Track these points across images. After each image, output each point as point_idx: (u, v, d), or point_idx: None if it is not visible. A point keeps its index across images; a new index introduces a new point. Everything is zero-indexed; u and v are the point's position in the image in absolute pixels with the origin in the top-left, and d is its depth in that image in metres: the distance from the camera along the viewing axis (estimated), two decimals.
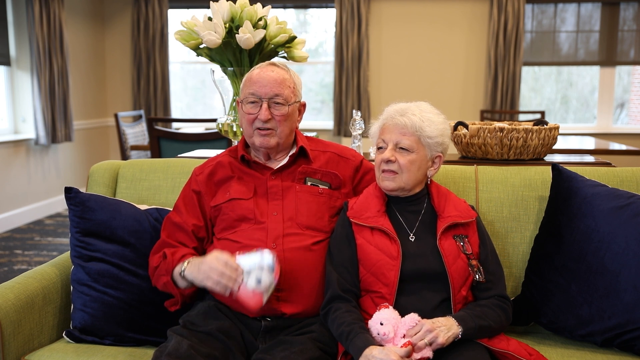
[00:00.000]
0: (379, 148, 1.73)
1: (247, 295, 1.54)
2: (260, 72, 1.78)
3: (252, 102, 1.77)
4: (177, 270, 1.69)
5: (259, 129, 1.77)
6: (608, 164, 2.38)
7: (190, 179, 1.89)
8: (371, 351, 1.46)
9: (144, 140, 5.30)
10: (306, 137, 1.93)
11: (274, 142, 1.78)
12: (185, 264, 1.67)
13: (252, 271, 1.53)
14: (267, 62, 1.83)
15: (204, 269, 1.59)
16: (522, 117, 6.38)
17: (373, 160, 1.84)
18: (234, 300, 1.60)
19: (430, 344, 1.50)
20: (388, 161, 1.68)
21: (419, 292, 1.63)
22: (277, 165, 1.83)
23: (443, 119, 1.74)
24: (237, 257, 1.57)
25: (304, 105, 1.88)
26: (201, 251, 1.81)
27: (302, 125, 1.90)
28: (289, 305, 1.68)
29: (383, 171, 1.70)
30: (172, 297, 1.74)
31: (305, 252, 1.71)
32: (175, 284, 1.69)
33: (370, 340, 1.51)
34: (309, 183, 1.81)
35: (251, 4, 2.31)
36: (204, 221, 1.81)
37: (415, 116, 1.69)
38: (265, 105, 1.75)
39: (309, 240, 1.73)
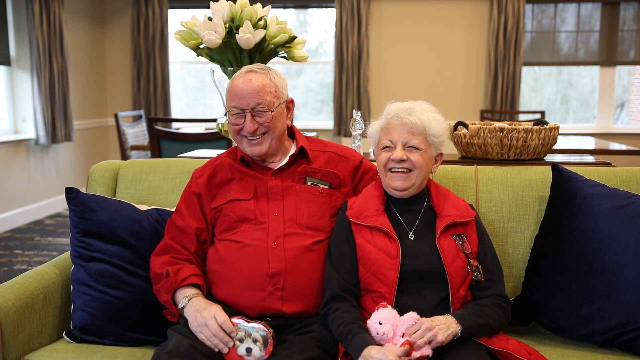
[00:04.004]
0: (384, 148, 1.73)
1: (234, 358, 1.56)
2: (239, 83, 1.76)
3: (236, 114, 1.76)
4: (178, 296, 1.69)
5: (248, 138, 1.77)
6: (608, 164, 2.38)
7: (190, 182, 1.89)
8: (370, 351, 1.47)
9: (144, 140, 5.30)
10: (306, 137, 1.93)
11: (265, 148, 1.78)
12: (186, 300, 1.66)
13: (246, 340, 1.55)
14: (246, 68, 1.81)
15: (199, 322, 1.59)
16: (522, 117, 6.38)
17: (373, 161, 1.84)
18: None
19: (429, 343, 1.50)
20: (401, 160, 1.67)
21: (419, 291, 1.63)
22: (277, 165, 1.83)
23: (443, 117, 1.77)
24: (234, 320, 1.58)
25: (291, 102, 1.86)
26: (202, 255, 1.81)
27: (302, 125, 1.90)
28: (289, 305, 1.68)
29: (393, 171, 1.70)
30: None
31: (306, 251, 1.71)
32: (174, 304, 1.70)
33: (369, 340, 1.51)
34: (309, 183, 1.81)
35: (251, 4, 2.31)
36: (205, 223, 1.81)
37: (423, 115, 1.70)
38: (249, 117, 1.74)
39: (310, 240, 1.73)
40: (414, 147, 1.69)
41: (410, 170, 1.68)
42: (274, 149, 1.81)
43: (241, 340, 1.55)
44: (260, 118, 1.75)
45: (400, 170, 1.68)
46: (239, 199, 1.78)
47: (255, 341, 1.54)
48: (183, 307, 1.66)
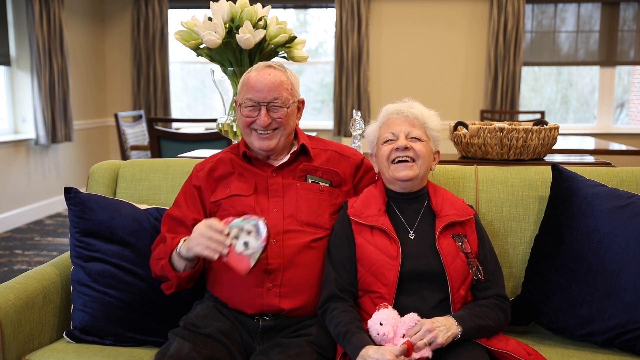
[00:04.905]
0: (386, 141, 1.75)
1: (235, 259, 1.54)
2: (257, 76, 1.77)
3: (250, 107, 1.77)
4: (174, 255, 1.69)
5: (258, 132, 1.78)
6: (608, 164, 2.38)
7: (191, 175, 1.89)
8: (367, 351, 1.47)
9: (144, 140, 5.30)
10: (307, 135, 1.93)
11: (274, 144, 1.79)
12: (182, 242, 1.67)
13: (241, 235, 1.53)
14: (263, 63, 1.82)
15: (194, 236, 1.60)
16: (522, 117, 6.38)
17: None
18: (225, 265, 1.60)
19: (429, 344, 1.50)
20: (405, 148, 1.70)
21: (419, 292, 1.63)
22: (278, 162, 1.83)
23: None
24: (226, 222, 1.58)
25: (302, 102, 1.88)
26: None
27: (302, 125, 1.92)
28: (288, 301, 1.68)
29: (398, 161, 1.71)
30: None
31: (305, 248, 1.72)
32: (172, 267, 1.69)
33: (367, 339, 1.51)
34: (309, 180, 1.81)
35: (251, 4, 2.31)
36: (204, 215, 1.81)
37: (422, 109, 1.79)
38: (264, 110, 1.75)
39: (309, 237, 1.73)
40: (415, 137, 1.73)
41: (414, 160, 1.71)
42: (282, 146, 1.81)
43: (237, 238, 1.54)
44: (274, 113, 1.76)
45: (404, 159, 1.70)
46: (239, 194, 1.78)
47: (249, 233, 1.52)
48: (180, 248, 1.65)
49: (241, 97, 1.80)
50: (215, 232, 1.56)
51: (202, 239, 1.57)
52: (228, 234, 1.55)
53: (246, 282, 1.68)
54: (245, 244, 1.53)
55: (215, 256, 1.56)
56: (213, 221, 1.59)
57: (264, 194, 1.79)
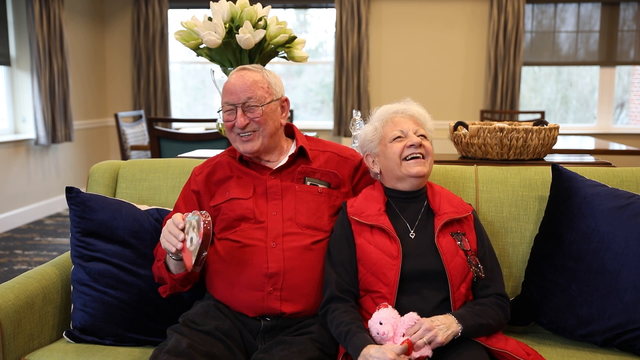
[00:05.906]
0: (395, 139, 1.75)
1: (185, 253, 1.55)
2: (232, 80, 1.78)
3: (228, 110, 1.78)
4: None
5: (240, 135, 1.78)
6: (608, 164, 2.38)
7: (189, 179, 1.89)
8: (368, 350, 1.47)
9: (144, 140, 5.30)
10: (306, 136, 1.93)
11: (257, 145, 1.78)
12: None
13: (190, 230, 1.54)
14: (240, 66, 1.83)
15: (162, 231, 1.61)
16: (522, 117, 6.38)
17: None
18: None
19: (429, 343, 1.50)
20: (420, 145, 1.71)
21: (420, 291, 1.63)
22: (276, 165, 1.83)
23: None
24: (184, 216, 1.59)
25: (286, 101, 1.86)
26: None
27: (302, 125, 1.91)
28: (288, 305, 1.68)
29: (411, 158, 1.72)
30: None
31: (304, 251, 1.71)
32: (167, 268, 1.70)
33: (368, 339, 1.51)
34: (308, 183, 1.81)
35: (251, 4, 2.31)
36: None
37: (422, 110, 1.81)
38: (239, 111, 1.75)
39: (309, 240, 1.73)
40: (422, 135, 1.75)
41: (424, 157, 1.72)
42: (267, 147, 1.81)
43: (188, 233, 1.55)
44: (251, 114, 1.75)
45: (417, 155, 1.71)
46: (238, 197, 1.78)
47: (194, 228, 1.54)
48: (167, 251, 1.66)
49: (221, 103, 1.81)
50: (174, 226, 1.57)
51: (165, 233, 1.59)
52: (183, 229, 1.56)
53: (247, 285, 1.68)
54: (192, 240, 1.54)
55: (172, 250, 1.56)
56: (176, 215, 1.60)
57: (262, 196, 1.78)
